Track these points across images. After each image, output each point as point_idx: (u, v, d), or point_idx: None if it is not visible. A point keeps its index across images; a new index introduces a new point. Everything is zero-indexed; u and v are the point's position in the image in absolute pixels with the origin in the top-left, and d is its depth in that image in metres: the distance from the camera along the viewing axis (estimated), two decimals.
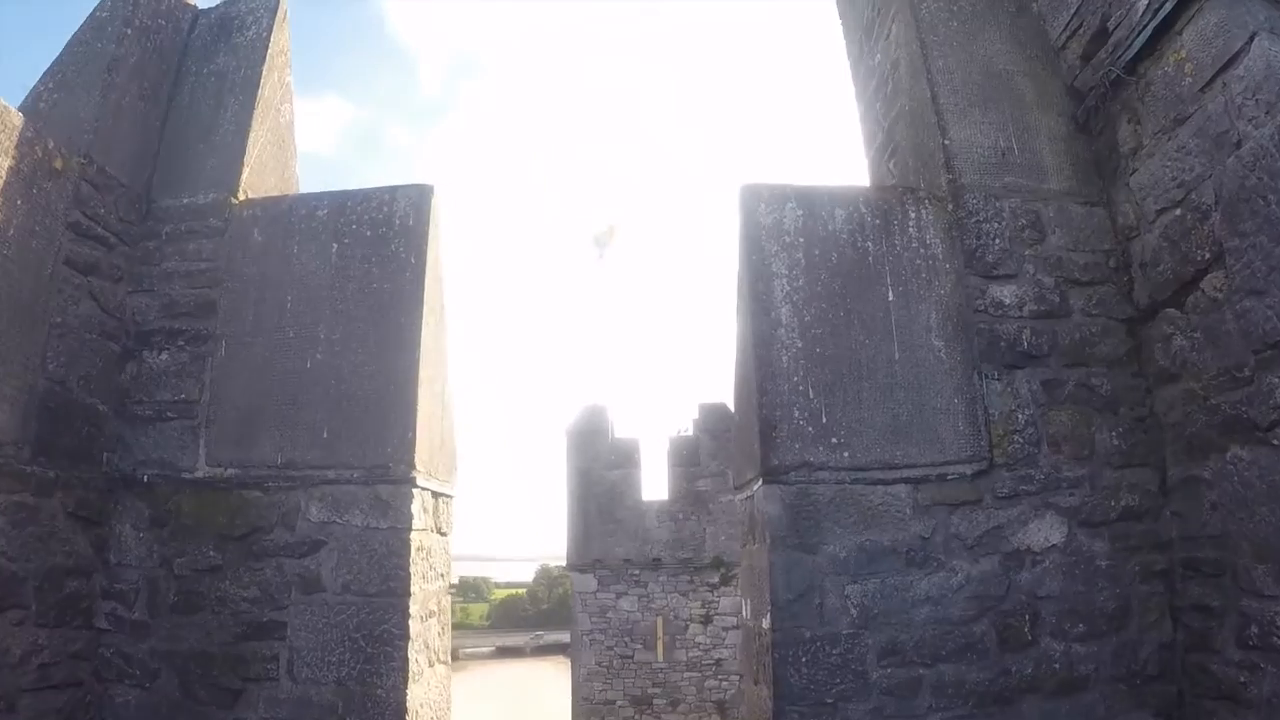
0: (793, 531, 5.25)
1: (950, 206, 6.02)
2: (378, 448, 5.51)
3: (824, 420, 5.39)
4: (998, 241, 5.87)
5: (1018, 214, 5.93)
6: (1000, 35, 6.66)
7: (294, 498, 5.58)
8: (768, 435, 5.30)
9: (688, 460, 25.10)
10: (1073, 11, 6.48)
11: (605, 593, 25.06)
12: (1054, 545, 5.22)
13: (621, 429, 26.00)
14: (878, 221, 5.93)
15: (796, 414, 5.36)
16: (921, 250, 5.91)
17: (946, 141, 6.23)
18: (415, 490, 5.49)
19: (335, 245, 5.97)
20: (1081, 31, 6.38)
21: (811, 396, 5.41)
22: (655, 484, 25.32)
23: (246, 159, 6.42)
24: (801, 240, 5.76)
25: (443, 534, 6.07)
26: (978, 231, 5.89)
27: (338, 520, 5.50)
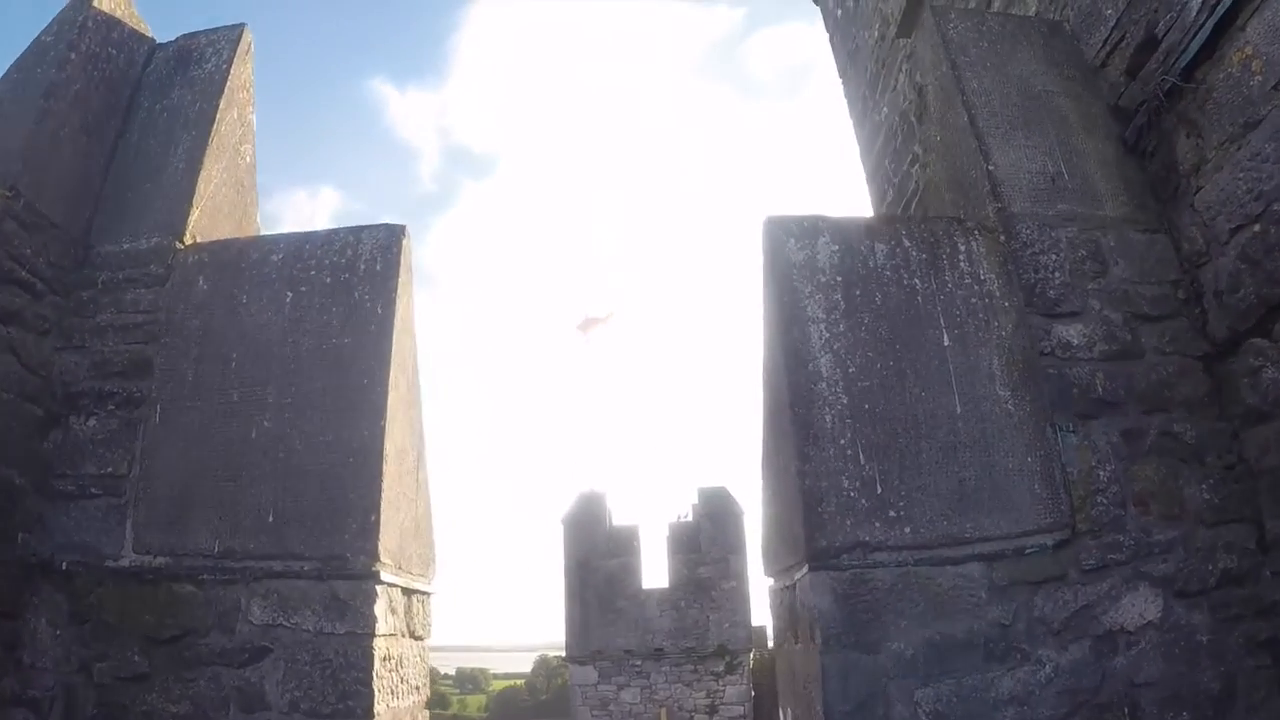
0: (848, 628, 4.08)
1: (1002, 238, 5.08)
2: (333, 534, 4.35)
3: (879, 490, 4.28)
4: (1058, 275, 5.03)
5: (1076, 244, 5.13)
6: (1034, 55, 5.85)
7: (233, 594, 4.39)
8: (813, 511, 4.18)
9: (688, 546, 23.66)
10: (1111, 25, 5.70)
11: (606, 684, 23.29)
12: (1150, 622, 4.26)
13: (620, 516, 24.60)
14: (924, 256, 4.95)
15: (846, 483, 4.25)
16: (976, 287, 4.93)
17: (991, 167, 5.33)
18: (380, 587, 4.31)
19: (290, 294, 4.94)
20: (1124, 44, 5.59)
21: (863, 461, 4.31)
22: (656, 572, 23.80)
23: (196, 199, 5.44)
24: (839, 279, 4.76)
25: (418, 638, 4.86)
26: (1035, 264, 5.06)
27: (284, 623, 4.30)
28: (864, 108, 8.45)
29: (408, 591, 4.70)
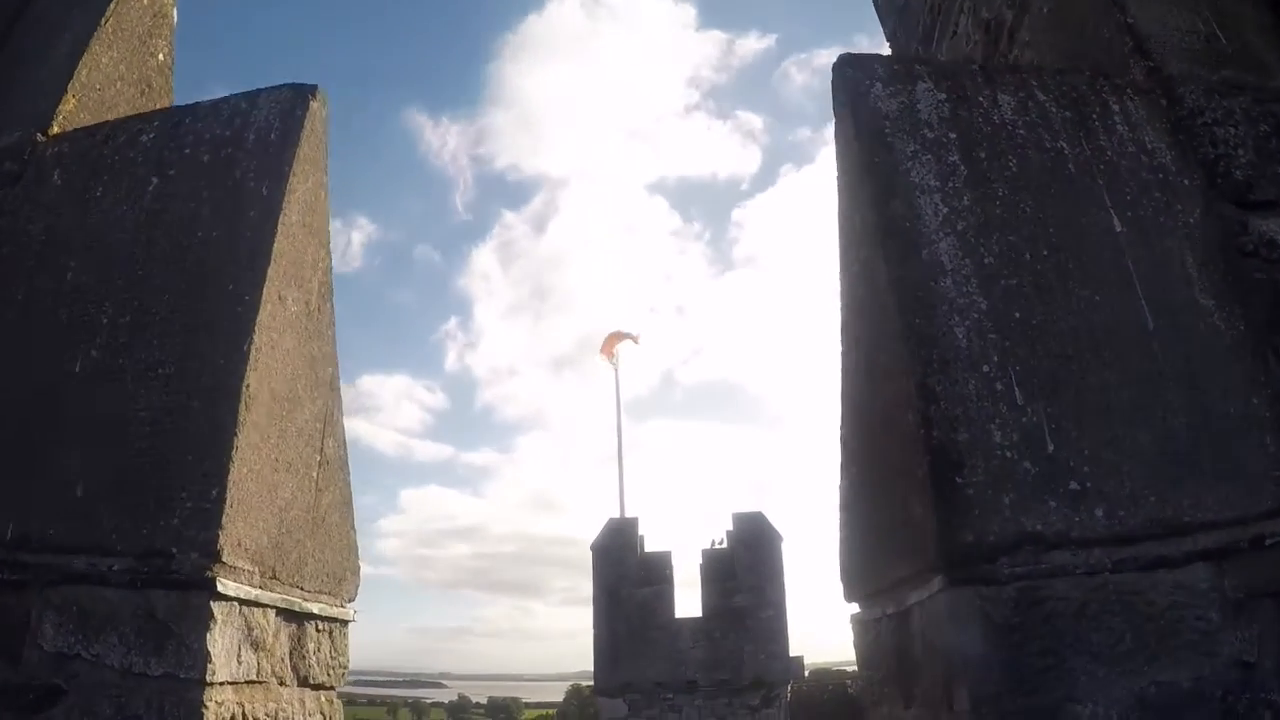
0: (1014, 682, 2.19)
1: (1163, 101, 3.29)
2: (157, 517, 2.55)
3: (1049, 447, 2.38)
4: (1242, 153, 3.39)
5: (1254, 117, 3.51)
6: None
7: (23, 602, 2.64)
8: (947, 482, 2.29)
9: (723, 575, 21.42)
10: None
11: (636, 718, 21.00)
12: None
13: (651, 543, 22.48)
14: (1068, 114, 3.14)
15: (998, 435, 2.36)
16: (1143, 158, 3.12)
17: (1130, 20, 3.59)
18: (222, 605, 2.49)
19: (155, 180, 3.24)
20: None
21: (1020, 401, 2.42)
22: (688, 601, 21.59)
23: (73, 87, 3.86)
24: (954, 137, 2.93)
25: (316, 686, 3.02)
26: (1211, 138, 3.43)
27: (84, 652, 2.53)
28: None
29: (295, 616, 2.87)
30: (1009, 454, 2.32)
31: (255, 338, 2.71)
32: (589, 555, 22.61)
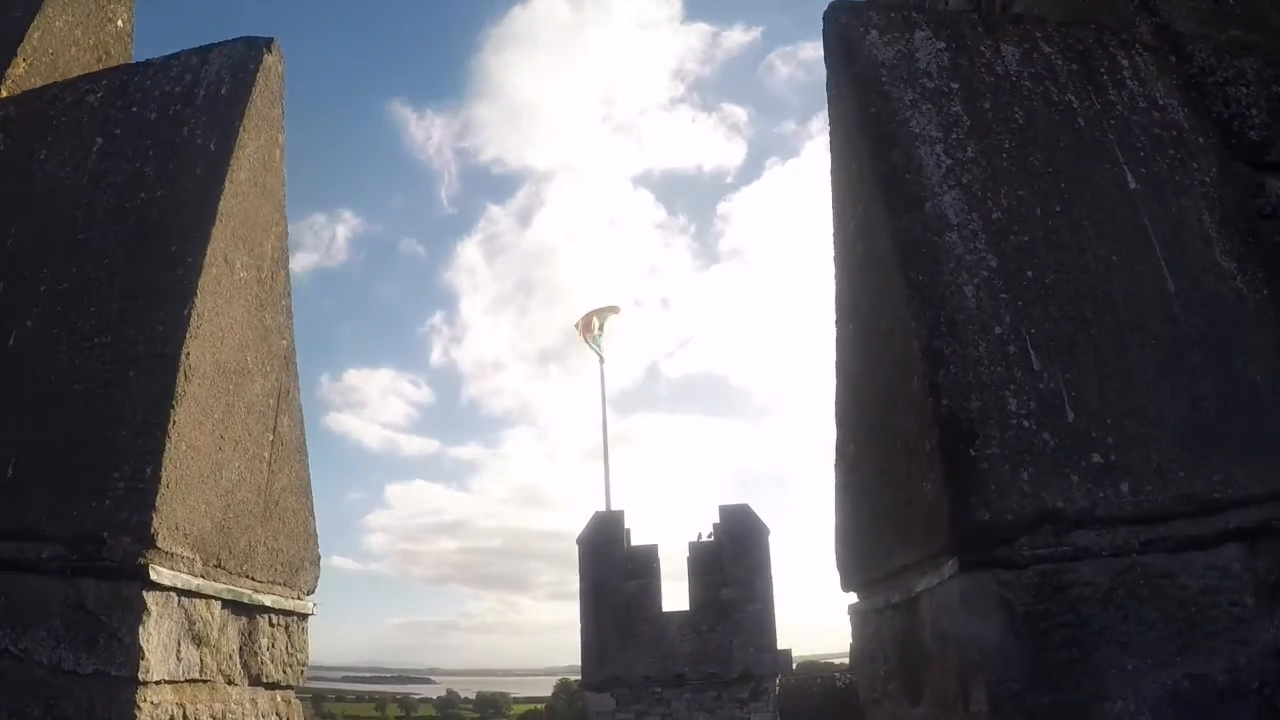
0: (1038, 677, 1.96)
1: (1172, 58, 3.11)
2: (90, 498, 2.28)
3: (1069, 415, 2.14)
4: (1255, 113, 3.20)
5: (1265, 78, 3.33)
6: None
7: None
8: (959, 454, 2.05)
9: (709, 568, 21.16)
10: None
11: (625, 713, 20.69)
12: None
13: (638, 536, 22.20)
14: (1074, 67, 2.92)
15: (1013, 403, 2.12)
16: (1155, 114, 2.92)
17: None
18: (157, 596, 2.22)
19: (99, 141, 2.96)
20: None
21: (1036, 365, 2.18)
22: (676, 594, 21.34)
23: (23, 50, 3.57)
24: (955, 87, 2.69)
25: (271, 685, 2.75)
26: (1223, 97, 3.25)
27: (12, 647, 2.28)
28: None
29: (244, 609, 2.60)
30: (1026, 423, 2.08)
31: (198, 303, 2.43)
32: (575, 549, 22.32)
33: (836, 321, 2.80)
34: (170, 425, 2.27)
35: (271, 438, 2.75)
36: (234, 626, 2.58)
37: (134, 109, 3.00)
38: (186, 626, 2.33)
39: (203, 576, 2.39)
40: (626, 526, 22.55)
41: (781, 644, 21.89)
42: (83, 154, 2.96)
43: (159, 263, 2.54)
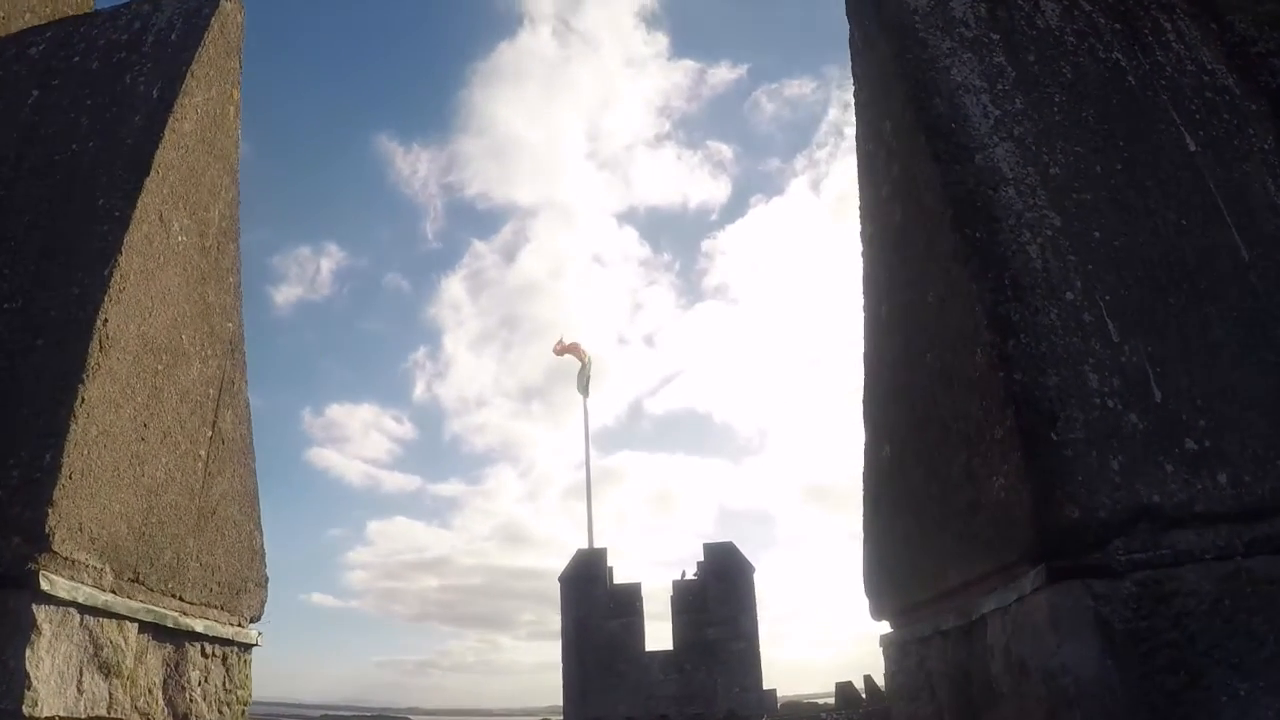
0: (1140, 709, 1.56)
1: (1213, 25, 2.85)
2: None
3: (1156, 394, 1.78)
4: None
5: None
6: None
7: None
8: (1039, 440, 1.66)
9: (693, 606, 20.51)
10: None
11: None
12: None
13: (621, 574, 21.54)
14: (1117, 26, 2.62)
15: (1094, 379, 1.75)
16: (1205, 78, 2.63)
17: None
18: (57, 611, 1.77)
19: (35, 93, 2.58)
20: None
21: (1115, 336, 1.83)
22: (659, 633, 20.63)
23: None
24: (995, 38, 2.38)
25: None
26: (1269, 69, 2.95)
27: None
28: None
29: (170, 634, 2.14)
30: (1110, 403, 1.71)
31: (122, 262, 2.02)
32: (557, 588, 21.59)
33: (864, 306, 2.44)
34: (78, 404, 1.84)
35: (210, 433, 2.33)
36: (156, 655, 2.12)
37: (76, 59, 2.62)
38: (91, 652, 1.88)
39: (114, 591, 1.94)
40: (609, 564, 21.90)
41: (766, 684, 21.19)
42: (17, 107, 2.57)
43: (83, 218, 2.14)
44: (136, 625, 2.03)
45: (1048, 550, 1.58)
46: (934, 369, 1.99)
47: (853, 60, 2.50)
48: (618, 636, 20.56)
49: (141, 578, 2.04)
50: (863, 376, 2.48)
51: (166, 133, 2.23)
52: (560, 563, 23.36)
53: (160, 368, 2.14)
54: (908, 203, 2.13)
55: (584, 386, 24.91)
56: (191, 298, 2.29)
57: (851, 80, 2.50)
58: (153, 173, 2.16)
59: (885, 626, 2.36)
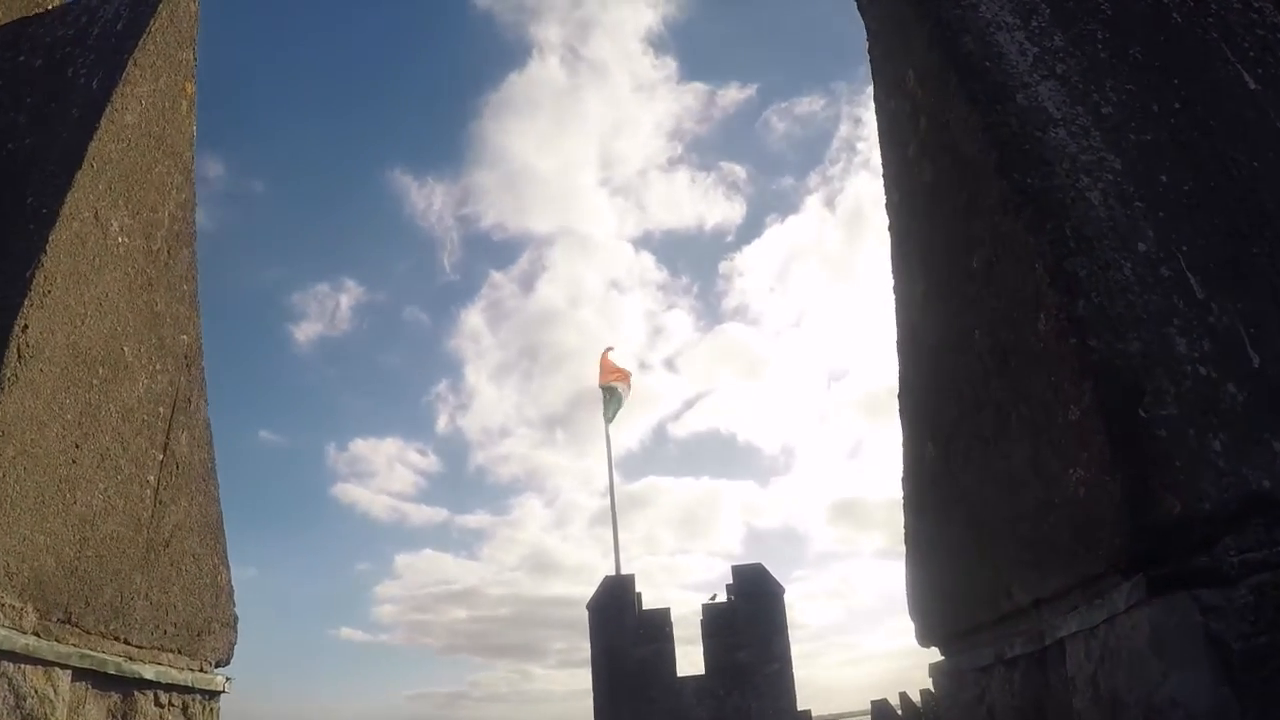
0: None
1: None
2: None
3: (1252, 357, 1.46)
4: None
5: None
6: None
7: None
8: (1126, 419, 1.33)
9: (724, 630, 19.95)
10: None
11: None
12: None
13: (650, 599, 21.04)
14: None
15: (1180, 343, 1.43)
16: (1253, 15, 2.30)
17: None
18: None
19: None
20: None
21: (1199, 294, 1.51)
22: (690, 658, 20.09)
23: None
24: None
25: None
26: None
27: None
28: None
29: (113, 682, 1.86)
30: (1203, 370, 1.39)
31: (48, 263, 1.77)
32: (586, 615, 21.18)
33: (895, 288, 2.13)
34: None
35: (161, 457, 2.06)
36: (98, 706, 1.84)
37: (21, 59, 2.40)
38: (12, 703, 1.60)
39: (38, 634, 1.66)
40: (637, 590, 21.45)
41: (800, 704, 20.55)
42: None
43: (10, 219, 1.90)
44: (70, 672, 1.75)
45: (1143, 555, 1.25)
46: (984, 347, 1.68)
47: (863, 14, 2.22)
48: (648, 663, 20.04)
49: (75, 618, 1.76)
50: (897, 370, 2.16)
51: (104, 123, 1.99)
52: (589, 589, 22.83)
53: (96, 382, 1.88)
54: (940, 157, 1.83)
55: (613, 415, 24.62)
56: (136, 306, 2.04)
57: (867, 34, 2.22)
58: (85, 166, 1.91)
59: (936, 654, 2.02)
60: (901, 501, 2.16)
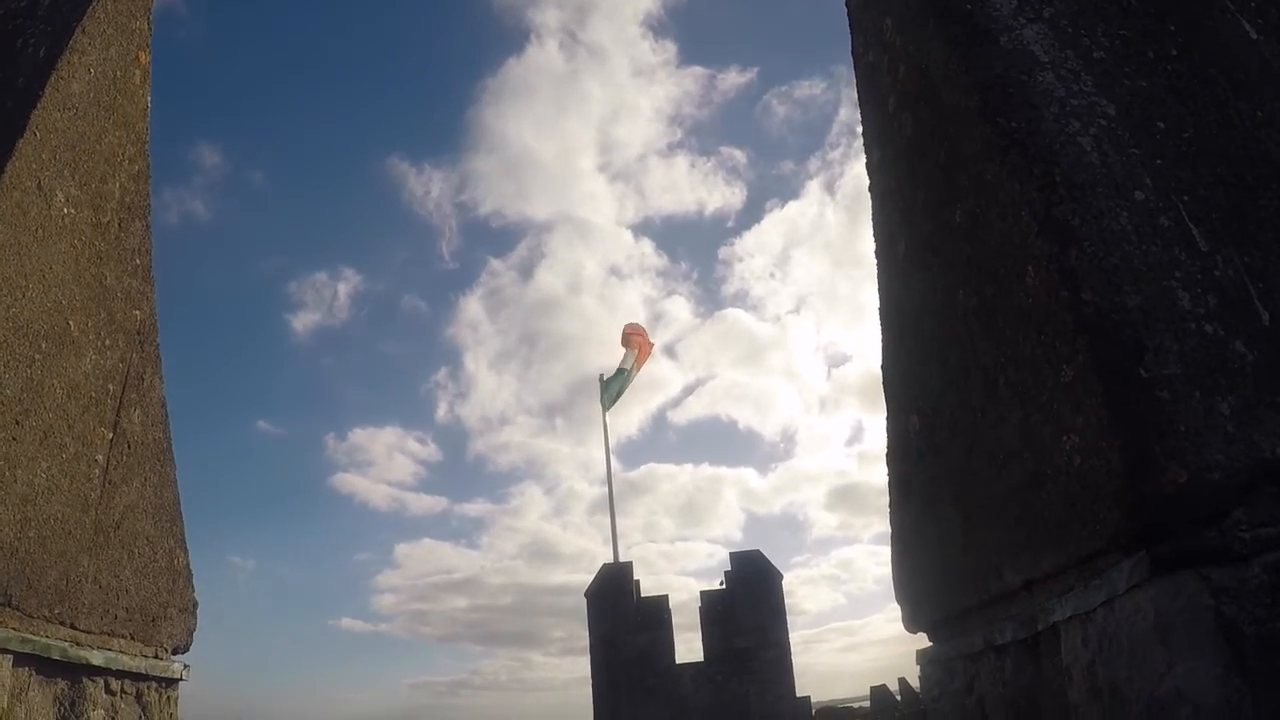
0: None
1: None
2: None
3: (1261, 313, 1.32)
4: None
5: None
6: None
7: None
8: (1125, 378, 1.19)
9: (722, 617, 19.85)
10: None
11: None
12: None
13: (648, 587, 20.94)
14: None
15: (1184, 297, 1.29)
16: None
17: None
18: None
19: None
20: None
21: (1202, 245, 1.37)
22: (689, 645, 20.01)
23: None
24: None
25: None
26: None
27: None
28: None
29: (59, 668, 1.73)
30: (1209, 327, 1.25)
31: None
32: (584, 603, 21.07)
33: (876, 251, 1.99)
34: None
35: (111, 436, 1.92)
36: (44, 693, 1.70)
37: None
38: None
39: None
40: (635, 578, 21.37)
41: (800, 691, 20.47)
42: None
43: None
44: (10, 657, 1.62)
45: (1146, 531, 1.10)
46: (969, 307, 1.53)
47: None
48: (647, 650, 19.94)
49: (16, 601, 1.62)
50: (880, 338, 2.02)
51: (48, 91, 1.85)
52: (589, 577, 22.74)
53: (38, 357, 1.74)
54: (920, 108, 1.68)
55: (613, 399, 24.42)
56: (83, 279, 1.90)
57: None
58: (28, 134, 1.77)
59: (924, 640, 1.88)
60: (886, 480, 2.02)
